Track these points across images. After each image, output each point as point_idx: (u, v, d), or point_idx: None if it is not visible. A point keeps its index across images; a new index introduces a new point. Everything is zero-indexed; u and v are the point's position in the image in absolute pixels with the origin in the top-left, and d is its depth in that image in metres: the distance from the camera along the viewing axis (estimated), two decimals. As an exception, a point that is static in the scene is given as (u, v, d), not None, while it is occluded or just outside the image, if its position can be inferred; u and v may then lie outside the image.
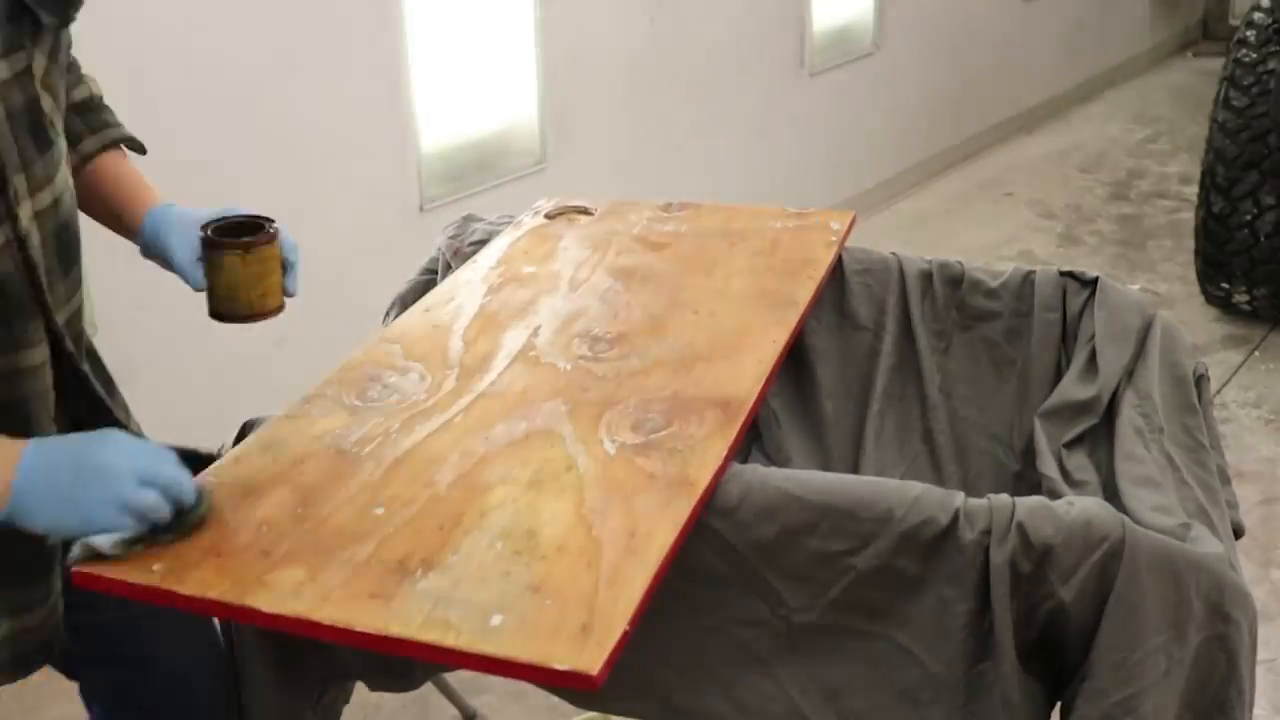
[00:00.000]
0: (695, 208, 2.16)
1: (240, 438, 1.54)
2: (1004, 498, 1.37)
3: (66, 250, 1.28)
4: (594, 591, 1.19)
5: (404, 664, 1.52)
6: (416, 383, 1.57)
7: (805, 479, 1.42)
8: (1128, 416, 1.66)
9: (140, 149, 1.49)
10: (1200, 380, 1.79)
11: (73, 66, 1.41)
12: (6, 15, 1.16)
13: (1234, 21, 7.31)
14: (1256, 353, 4.00)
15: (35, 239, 1.21)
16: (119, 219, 1.47)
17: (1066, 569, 1.32)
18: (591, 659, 1.11)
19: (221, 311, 1.46)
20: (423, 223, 3.33)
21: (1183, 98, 6.86)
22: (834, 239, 2.01)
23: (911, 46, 5.37)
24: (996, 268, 2.01)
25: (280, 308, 1.47)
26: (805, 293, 1.83)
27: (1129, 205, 5.36)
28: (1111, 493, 1.56)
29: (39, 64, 1.22)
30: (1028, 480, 1.90)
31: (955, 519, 1.35)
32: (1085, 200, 5.43)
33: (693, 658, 1.46)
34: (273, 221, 1.46)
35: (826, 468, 1.96)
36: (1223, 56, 4.30)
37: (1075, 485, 1.64)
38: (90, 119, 1.43)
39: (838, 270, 2.01)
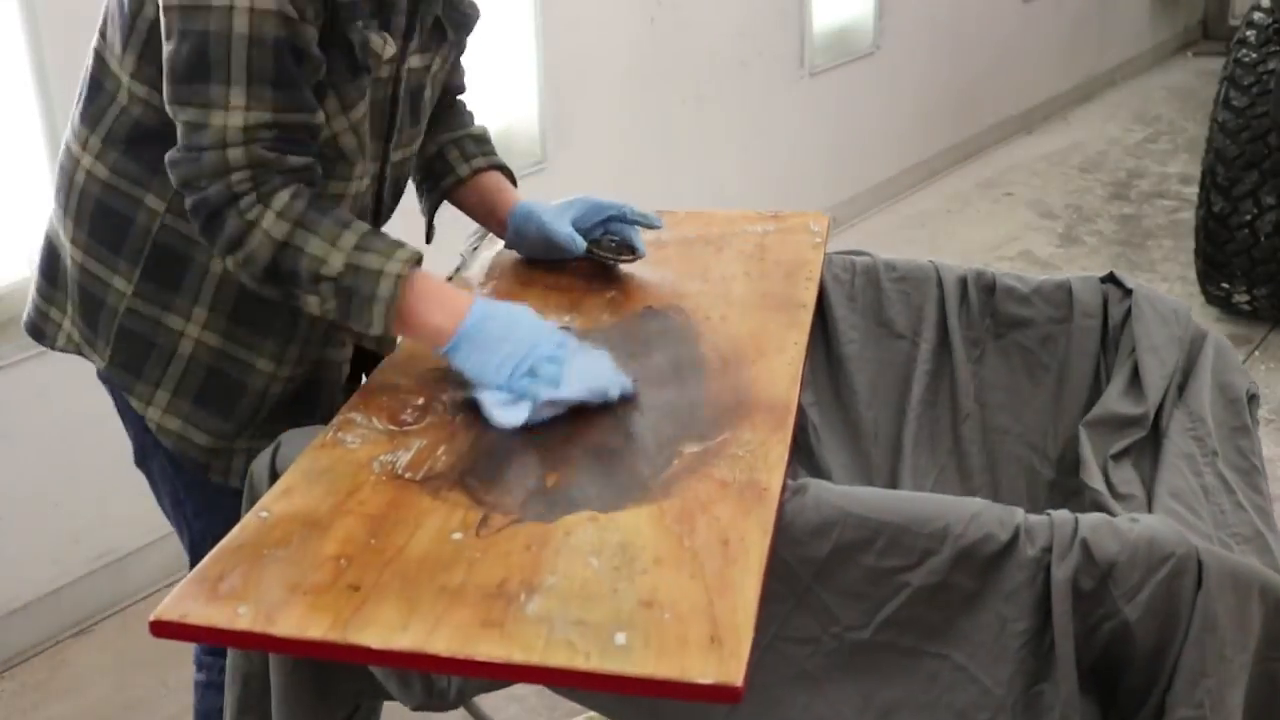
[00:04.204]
0: (669, 214, 2.11)
1: (275, 451, 1.51)
2: (1065, 514, 1.35)
3: (397, 193, 1.79)
4: (708, 602, 1.16)
5: (444, 683, 1.50)
6: (445, 404, 1.53)
7: (860, 495, 1.39)
8: (1178, 442, 1.63)
9: (513, 181, 1.93)
10: (1252, 400, 1.77)
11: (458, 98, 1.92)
12: (431, 25, 1.65)
13: (1234, 21, 7.32)
14: (1256, 353, 4.00)
15: (389, 180, 1.70)
16: (492, 215, 1.90)
17: (1131, 587, 1.30)
18: (732, 671, 1.09)
19: None
20: (422, 222, 3.31)
21: (1183, 98, 6.86)
22: (818, 240, 1.99)
23: (911, 46, 5.36)
24: (1031, 275, 2.00)
25: None
26: (808, 294, 1.81)
27: (1129, 205, 5.36)
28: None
29: (437, 65, 1.70)
30: (1061, 489, 1.89)
31: (1015, 535, 1.33)
32: (1085, 200, 5.43)
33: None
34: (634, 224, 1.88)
35: (867, 478, 1.94)
36: (1223, 56, 4.30)
37: (1121, 499, 1.62)
38: (484, 147, 1.91)
39: (874, 278, 2.00)
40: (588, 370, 1.49)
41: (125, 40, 1.50)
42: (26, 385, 2.64)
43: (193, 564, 1.70)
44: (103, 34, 1.55)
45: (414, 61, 1.64)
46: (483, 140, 1.91)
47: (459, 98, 1.92)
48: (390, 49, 1.54)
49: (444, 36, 1.70)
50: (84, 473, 2.75)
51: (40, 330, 1.68)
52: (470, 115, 1.93)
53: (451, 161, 1.86)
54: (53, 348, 1.67)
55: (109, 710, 2.60)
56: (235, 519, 1.35)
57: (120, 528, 2.84)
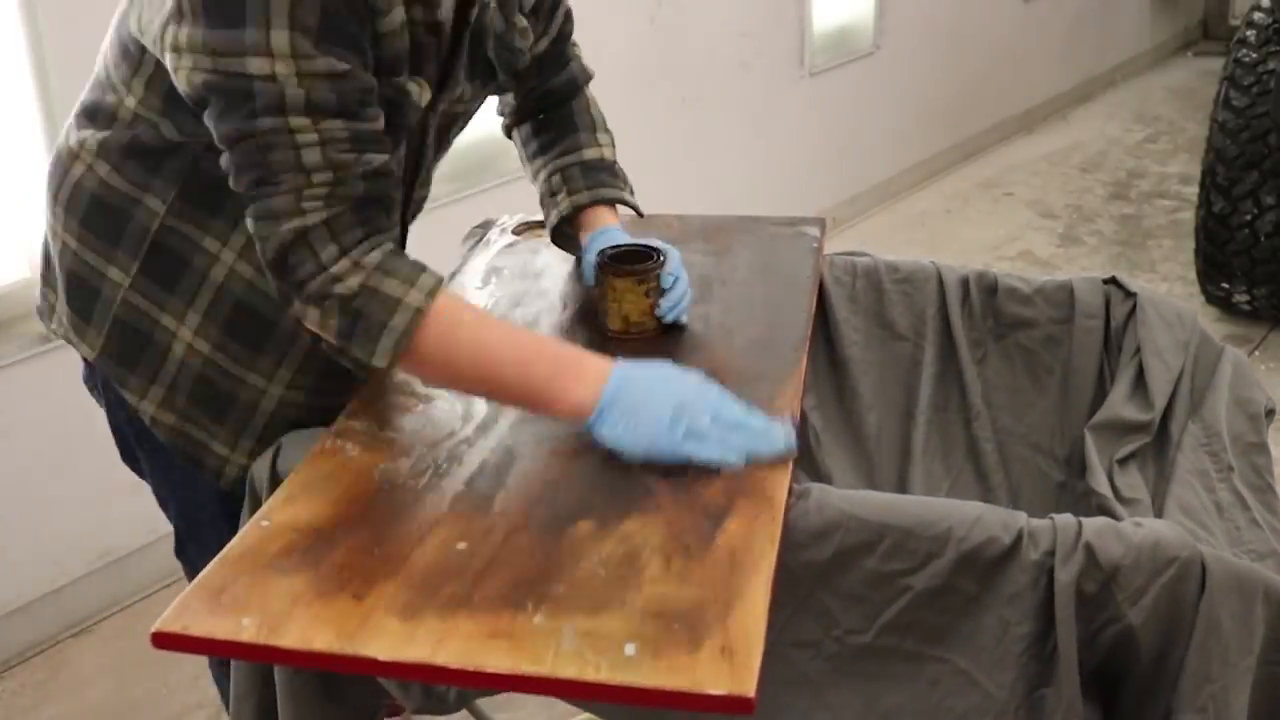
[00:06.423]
0: (665, 218, 2.10)
1: (275, 454, 1.51)
2: (1068, 517, 1.34)
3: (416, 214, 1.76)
4: (717, 613, 1.16)
5: (443, 689, 1.50)
6: (445, 411, 1.52)
7: (862, 498, 1.38)
8: (1191, 458, 1.62)
9: (638, 212, 1.85)
10: (1269, 415, 1.75)
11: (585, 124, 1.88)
12: (481, 68, 1.60)
13: (1234, 21, 7.32)
14: (1256, 353, 4.00)
15: (411, 209, 1.71)
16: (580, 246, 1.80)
17: (1134, 591, 1.29)
18: (744, 682, 1.08)
19: (606, 325, 1.70)
20: (422, 223, 3.31)
21: (1183, 98, 6.86)
22: (814, 245, 1.99)
23: (911, 46, 5.36)
24: (1033, 275, 1.98)
25: (656, 328, 1.69)
26: (809, 300, 1.81)
27: (1129, 205, 5.36)
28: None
29: (477, 103, 1.68)
30: (1071, 490, 1.87)
31: (1018, 539, 1.32)
32: (1085, 200, 5.42)
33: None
34: (661, 255, 1.69)
35: (871, 482, 1.93)
36: (1223, 56, 4.29)
37: (1126, 503, 1.60)
38: (592, 178, 1.81)
39: (876, 279, 1.99)
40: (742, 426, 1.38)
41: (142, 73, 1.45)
42: (26, 385, 2.63)
43: (178, 554, 1.73)
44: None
45: (445, 105, 1.59)
46: (590, 168, 1.81)
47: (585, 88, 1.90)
48: (426, 95, 1.48)
49: (492, 76, 1.64)
50: (84, 473, 2.74)
51: (42, 311, 1.67)
52: (589, 122, 1.88)
53: (558, 200, 1.80)
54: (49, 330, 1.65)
55: (109, 710, 2.59)
56: (218, 522, 1.34)
57: (120, 528, 2.83)
